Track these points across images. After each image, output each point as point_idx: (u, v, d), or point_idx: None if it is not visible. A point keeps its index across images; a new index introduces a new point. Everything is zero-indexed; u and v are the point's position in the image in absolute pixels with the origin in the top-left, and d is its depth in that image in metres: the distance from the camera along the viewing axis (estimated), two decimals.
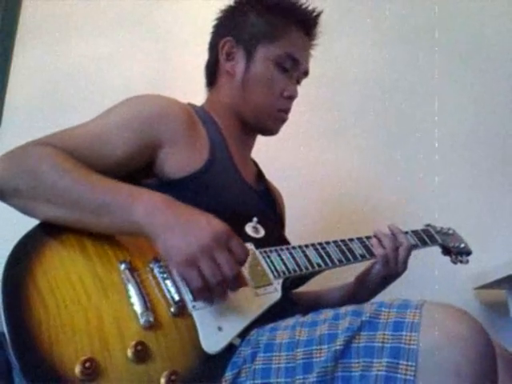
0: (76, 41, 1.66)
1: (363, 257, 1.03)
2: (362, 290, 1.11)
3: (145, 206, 0.78)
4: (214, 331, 0.77)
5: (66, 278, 0.76)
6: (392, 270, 1.06)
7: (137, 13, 1.72)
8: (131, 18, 1.71)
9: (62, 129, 0.94)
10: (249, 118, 1.10)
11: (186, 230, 0.76)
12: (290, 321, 0.80)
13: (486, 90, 1.78)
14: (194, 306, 0.78)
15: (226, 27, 1.12)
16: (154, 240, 0.78)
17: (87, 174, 0.83)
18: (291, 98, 1.10)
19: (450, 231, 1.23)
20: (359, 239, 1.06)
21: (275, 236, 0.98)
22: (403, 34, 1.81)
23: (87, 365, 0.67)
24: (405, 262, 1.07)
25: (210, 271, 0.74)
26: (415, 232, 1.15)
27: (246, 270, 0.85)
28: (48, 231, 0.82)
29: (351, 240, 1.05)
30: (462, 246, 1.21)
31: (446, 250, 1.21)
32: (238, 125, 1.10)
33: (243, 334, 0.79)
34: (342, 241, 1.03)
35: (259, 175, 1.20)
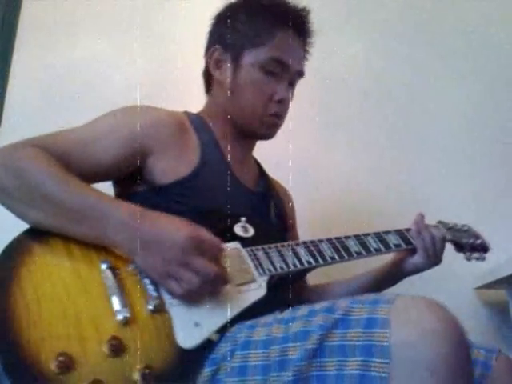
0: (76, 41, 1.66)
1: (359, 254, 1.03)
2: (390, 280, 1.15)
3: (115, 224, 0.82)
4: (190, 327, 0.78)
5: (49, 277, 0.80)
6: (431, 262, 1.11)
7: (137, 13, 1.71)
8: (131, 19, 1.71)
9: (56, 130, 0.97)
10: (240, 124, 1.11)
11: (157, 246, 0.80)
12: (269, 317, 0.80)
13: (486, 87, 1.78)
14: (171, 303, 0.80)
15: (215, 35, 1.14)
16: (131, 256, 0.82)
17: (69, 180, 0.86)
18: (282, 101, 1.09)
19: (465, 227, 1.23)
20: (356, 237, 1.05)
21: (267, 235, 0.99)
22: (402, 32, 1.81)
23: (61, 359, 0.70)
24: (441, 252, 1.12)
25: (188, 278, 0.78)
26: None
27: (230, 268, 0.87)
28: (37, 234, 0.85)
29: (347, 237, 1.04)
30: (478, 242, 1.19)
31: (459, 247, 1.20)
32: (232, 130, 1.11)
33: (223, 331, 0.80)
34: (337, 238, 1.03)
35: (261, 176, 1.21)
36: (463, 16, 1.85)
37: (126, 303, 0.78)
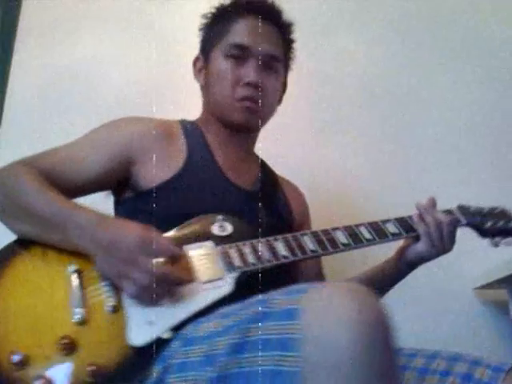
0: (76, 41, 1.66)
1: (347, 245, 0.99)
2: (396, 273, 1.11)
3: (76, 230, 0.87)
4: (143, 325, 0.80)
5: (20, 282, 0.87)
6: (437, 249, 1.03)
7: (137, 13, 1.72)
8: (131, 19, 1.71)
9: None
10: (218, 116, 1.12)
11: (111, 247, 0.84)
12: (214, 313, 0.80)
13: (486, 85, 1.78)
14: (129, 303, 0.83)
15: (199, 45, 1.19)
16: (92, 257, 0.87)
17: (45, 193, 0.92)
18: (250, 84, 1.07)
19: (497, 210, 1.13)
20: (347, 228, 1.01)
21: (250, 234, 0.97)
22: (401, 30, 1.81)
23: (16, 356, 0.75)
24: (451, 238, 1.04)
25: (137, 278, 0.81)
26: None
27: (198, 266, 0.89)
28: (22, 243, 0.93)
29: (335, 229, 1.01)
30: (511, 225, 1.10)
31: (482, 232, 1.11)
32: (221, 128, 1.13)
33: (179, 330, 0.80)
34: (324, 231, 1.00)
35: (263, 175, 1.18)
36: (463, 14, 1.85)
37: (84, 304, 0.82)
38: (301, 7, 1.60)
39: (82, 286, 0.85)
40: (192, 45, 1.63)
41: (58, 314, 0.82)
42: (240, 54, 1.08)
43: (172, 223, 0.97)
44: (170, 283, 0.84)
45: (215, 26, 1.15)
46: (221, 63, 1.10)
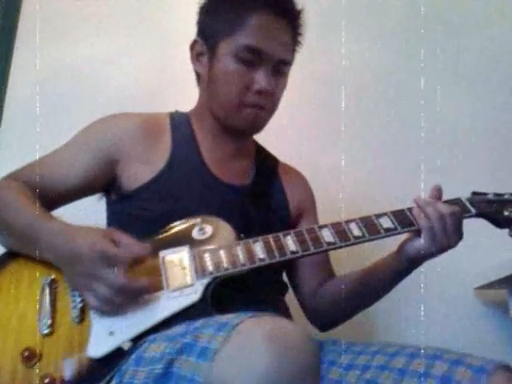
0: (76, 40, 1.66)
1: (331, 244, 0.92)
2: (396, 272, 1.00)
3: (43, 243, 0.88)
4: (104, 336, 0.80)
5: (2, 293, 0.88)
6: (440, 244, 0.92)
7: (137, 13, 1.71)
8: (131, 18, 1.71)
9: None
10: (219, 118, 1.06)
11: (73, 260, 0.84)
12: (169, 331, 0.75)
13: (488, 86, 1.78)
14: (93, 313, 0.83)
15: (198, 27, 1.10)
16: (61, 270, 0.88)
17: (20, 206, 0.93)
18: (261, 92, 1.01)
19: None
20: (334, 225, 0.94)
21: (229, 235, 0.93)
22: (402, 32, 1.81)
23: None
24: (455, 231, 0.92)
25: (100, 289, 0.80)
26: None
27: (167, 274, 0.87)
28: (10, 255, 0.94)
29: (322, 227, 0.94)
30: None
31: (496, 221, 0.99)
32: (215, 125, 1.08)
33: (141, 340, 0.77)
34: (309, 229, 0.94)
35: (257, 168, 1.14)
36: (463, 13, 1.85)
37: (51, 315, 0.83)
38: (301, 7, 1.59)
39: (53, 296, 0.86)
40: None
41: (27, 325, 0.83)
42: (252, 59, 1.00)
43: (155, 226, 0.94)
44: (131, 294, 0.82)
45: (224, 14, 1.03)
46: (230, 64, 1.01)
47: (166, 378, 0.65)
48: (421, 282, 1.48)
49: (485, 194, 1.03)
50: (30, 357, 0.78)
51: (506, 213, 0.98)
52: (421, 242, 0.93)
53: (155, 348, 0.71)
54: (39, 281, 0.88)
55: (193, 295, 0.84)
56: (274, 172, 1.17)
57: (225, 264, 0.87)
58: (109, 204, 1.07)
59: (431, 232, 0.92)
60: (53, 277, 0.88)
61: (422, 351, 0.84)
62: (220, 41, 1.02)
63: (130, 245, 0.84)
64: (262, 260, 0.89)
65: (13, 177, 1.00)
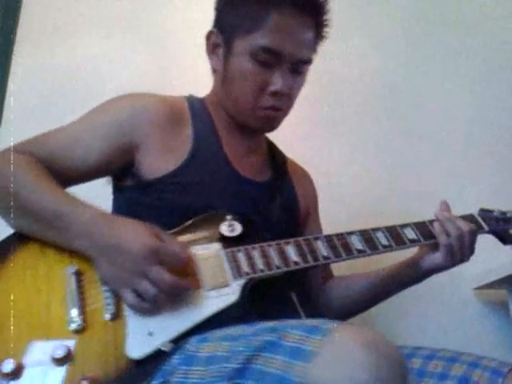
0: (75, 41, 1.66)
1: (361, 252, 0.92)
2: (405, 280, 1.04)
3: (77, 229, 0.81)
4: (143, 336, 0.75)
5: (16, 283, 0.80)
6: (455, 260, 0.97)
7: (137, 14, 1.71)
8: (131, 18, 1.71)
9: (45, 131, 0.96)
10: (234, 115, 1.03)
11: (115, 254, 0.78)
12: (226, 330, 0.74)
13: (489, 86, 1.78)
14: (129, 311, 0.78)
15: (214, 17, 1.05)
16: (93, 261, 0.81)
17: (41, 187, 0.85)
18: (277, 94, 0.97)
19: None
20: (362, 232, 0.95)
21: (262, 231, 0.93)
22: (403, 31, 1.81)
23: (8, 366, 0.70)
24: (471, 248, 0.97)
25: (143, 288, 0.75)
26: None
27: (203, 273, 0.83)
28: (19, 238, 0.86)
29: (351, 234, 0.94)
30: None
31: (503, 239, 1.06)
32: (230, 119, 1.05)
33: (182, 341, 0.75)
34: (338, 235, 0.93)
35: (272, 163, 1.13)
36: (465, 15, 1.85)
37: (81, 311, 0.77)
38: None
39: (80, 289, 0.79)
40: (193, 44, 1.63)
41: (54, 321, 0.76)
42: (269, 60, 0.96)
43: (175, 218, 0.90)
44: (177, 294, 0.78)
45: (242, 9, 0.98)
46: (245, 63, 0.97)
47: (244, 374, 0.63)
48: (421, 282, 1.48)
49: (491, 211, 1.08)
50: (63, 356, 0.71)
51: (511, 231, 1.05)
52: (438, 256, 0.98)
53: (213, 347, 0.70)
54: (62, 271, 0.81)
55: (231, 296, 0.81)
56: (285, 169, 1.15)
57: (260, 265, 0.86)
58: (121, 189, 1.00)
59: (450, 249, 0.96)
60: (77, 267, 0.81)
61: (439, 353, 0.88)
62: (236, 37, 0.98)
63: (175, 245, 0.81)
64: (296, 263, 0.88)
65: (23, 151, 0.91)
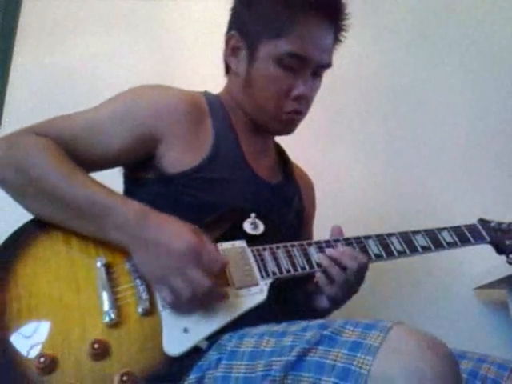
0: (75, 40, 1.66)
1: (379, 257, 0.94)
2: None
3: (119, 221, 0.79)
4: (178, 332, 0.75)
5: (42, 273, 0.78)
6: (347, 293, 0.92)
7: (136, 12, 1.72)
8: (131, 18, 1.71)
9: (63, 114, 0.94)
10: (255, 118, 1.04)
11: (156, 249, 0.77)
12: (262, 328, 0.76)
13: (491, 88, 1.78)
14: (163, 306, 0.78)
15: (234, 19, 1.05)
16: (130, 252, 0.80)
17: (72, 174, 0.83)
18: (300, 98, 1.00)
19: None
20: (378, 237, 0.96)
21: (279, 232, 0.93)
22: (405, 33, 1.81)
23: (42, 360, 0.68)
24: (358, 282, 0.92)
25: (181, 288, 0.75)
26: (455, 228, 1.04)
27: (231, 270, 0.83)
28: (39, 225, 0.84)
29: (368, 238, 0.95)
30: None
31: (499, 249, 1.09)
32: (247, 119, 1.05)
33: (214, 338, 0.76)
34: (357, 238, 0.95)
35: (282, 166, 1.14)
36: (464, 17, 1.85)
37: (115, 304, 0.76)
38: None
39: (112, 283, 0.78)
40: (193, 44, 1.64)
41: (88, 313, 0.75)
42: (295, 65, 0.97)
43: (197, 213, 0.89)
44: (211, 299, 0.78)
45: (267, 14, 0.98)
46: (270, 68, 0.98)
47: (299, 366, 0.65)
48: (421, 282, 1.48)
49: (489, 221, 1.11)
50: (101, 350, 0.70)
51: (507, 242, 1.08)
52: (326, 301, 0.94)
53: (254, 343, 0.72)
54: (90, 262, 0.80)
55: (259, 295, 0.82)
56: (292, 172, 1.17)
57: (285, 265, 0.87)
58: (139, 181, 0.99)
59: (334, 295, 0.91)
60: (106, 259, 0.80)
61: None
62: (261, 42, 0.99)
63: (214, 252, 0.80)
64: (319, 265, 0.89)
65: (42, 134, 0.87)
